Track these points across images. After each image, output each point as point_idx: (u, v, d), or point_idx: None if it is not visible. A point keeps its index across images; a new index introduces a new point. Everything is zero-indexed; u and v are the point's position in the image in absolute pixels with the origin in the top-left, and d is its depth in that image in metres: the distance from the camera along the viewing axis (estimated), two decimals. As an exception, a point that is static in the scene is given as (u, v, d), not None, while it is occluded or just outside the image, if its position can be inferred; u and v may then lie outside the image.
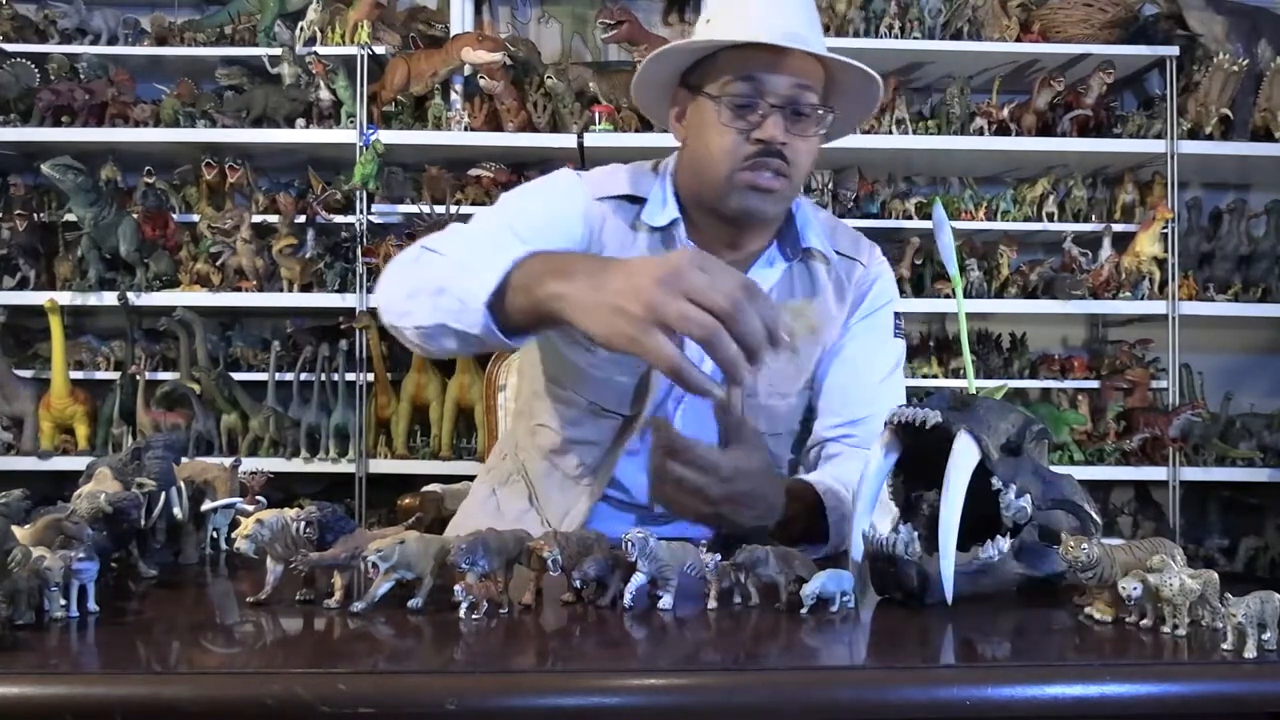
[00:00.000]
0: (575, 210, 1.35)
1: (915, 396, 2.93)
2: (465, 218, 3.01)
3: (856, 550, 0.95)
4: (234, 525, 0.99)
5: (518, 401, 1.56)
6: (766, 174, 1.27)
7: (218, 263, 2.92)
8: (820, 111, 1.30)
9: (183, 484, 1.02)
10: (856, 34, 2.95)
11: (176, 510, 1.01)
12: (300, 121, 2.92)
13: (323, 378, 2.90)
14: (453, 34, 3.04)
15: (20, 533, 0.82)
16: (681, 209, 1.37)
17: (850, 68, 1.30)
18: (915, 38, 2.96)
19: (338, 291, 2.92)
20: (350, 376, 2.91)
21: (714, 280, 0.90)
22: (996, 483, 0.90)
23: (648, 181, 1.40)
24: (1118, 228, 3.04)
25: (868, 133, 2.96)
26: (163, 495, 0.98)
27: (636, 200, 1.37)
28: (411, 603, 0.84)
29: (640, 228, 1.36)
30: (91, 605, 0.82)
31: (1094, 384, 3.02)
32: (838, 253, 1.42)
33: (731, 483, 1.08)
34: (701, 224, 1.36)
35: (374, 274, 2.91)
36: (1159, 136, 2.96)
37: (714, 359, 0.91)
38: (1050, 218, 3.03)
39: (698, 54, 1.32)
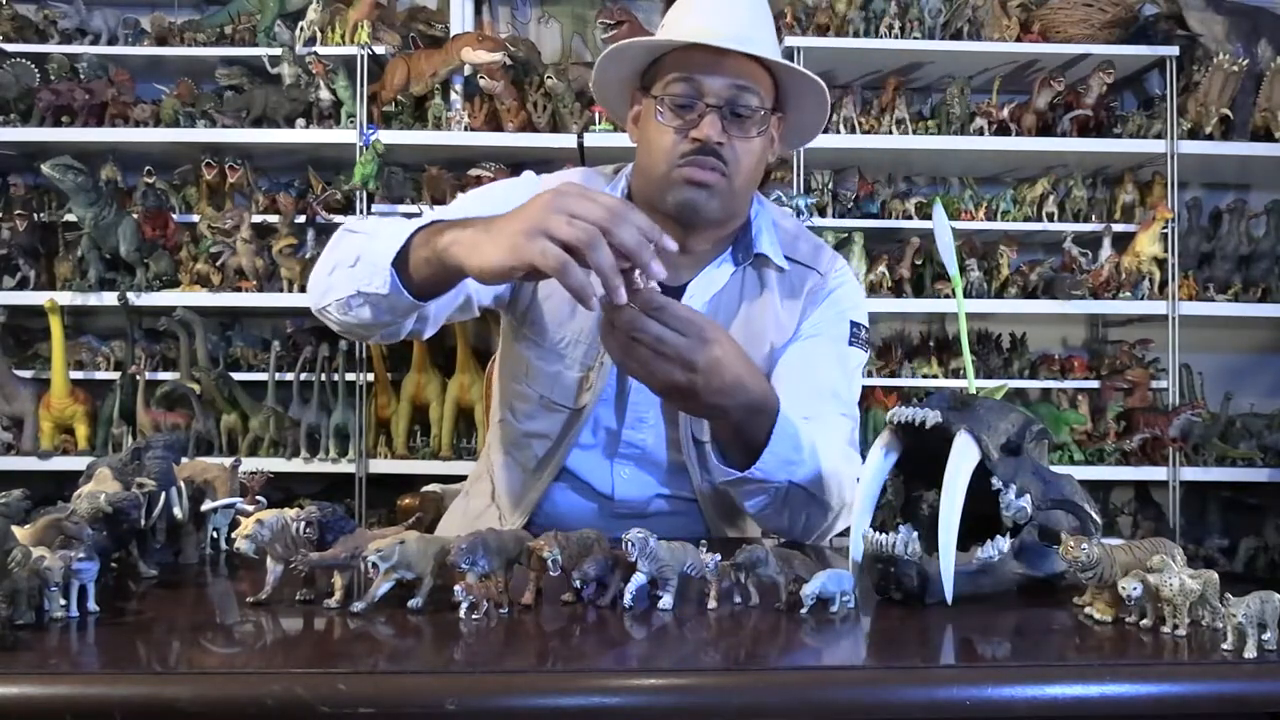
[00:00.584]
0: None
1: (915, 396, 2.94)
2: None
3: (856, 550, 0.95)
4: (234, 525, 0.99)
5: (495, 402, 1.60)
6: (700, 169, 1.29)
7: (218, 263, 2.92)
8: (762, 113, 1.31)
9: (183, 484, 1.02)
10: (856, 34, 2.95)
11: (176, 510, 1.01)
12: (300, 121, 2.92)
13: (323, 378, 2.90)
14: (453, 34, 3.04)
15: (20, 533, 0.82)
16: None
17: (793, 72, 1.33)
18: (915, 38, 2.96)
19: (338, 291, 2.91)
20: (350, 376, 2.92)
21: (593, 198, 0.98)
22: (996, 483, 0.90)
23: (600, 183, 1.44)
24: (1118, 228, 3.04)
25: (868, 133, 2.97)
26: (163, 495, 0.98)
27: None
28: (411, 603, 0.84)
29: None
30: (91, 605, 0.82)
31: (1094, 384, 3.02)
32: (792, 259, 1.42)
33: (711, 347, 1.06)
34: None
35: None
36: (1159, 136, 2.96)
37: (594, 266, 0.96)
38: (1050, 218, 3.03)
39: (651, 55, 1.35)
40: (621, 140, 2.85)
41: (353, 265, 1.16)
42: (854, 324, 1.42)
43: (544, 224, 0.97)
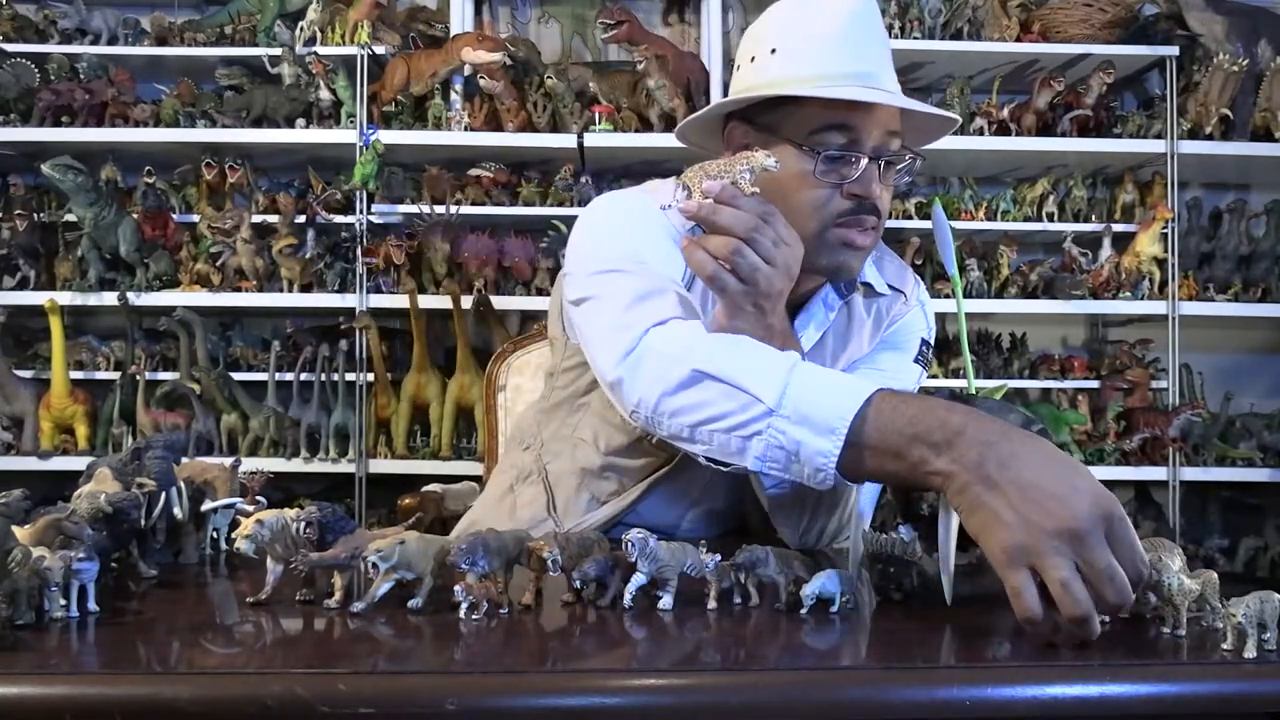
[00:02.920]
0: (668, 231, 1.27)
1: (915, 396, 2.93)
2: (466, 217, 2.99)
3: (856, 550, 0.95)
4: (234, 525, 0.99)
5: (554, 399, 1.48)
6: (859, 230, 1.20)
7: (218, 263, 2.93)
8: (907, 156, 1.23)
9: (183, 484, 1.03)
10: (856, 34, 2.95)
11: (176, 510, 1.01)
12: (300, 121, 2.92)
13: (323, 378, 2.90)
14: (453, 34, 3.04)
15: (20, 533, 0.82)
16: None
17: (931, 114, 1.25)
18: (915, 38, 2.96)
19: (338, 291, 2.92)
20: (350, 376, 2.92)
21: (1116, 560, 0.77)
22: (997, 483, 0.90)
23: None
24: (1118, 228, 3.04)
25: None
26: (163, 495, 0.98)
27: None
28: (411, 603, 0.84)
29: None
30: (91, 605, 0.82)
31: (1094, 384, 3.03)
32: (888, 286, 1.39)
33: (774, 220, 1.05)
34: None
35: (374, 274, 2.92)
36: (1159, 136, 2.96)
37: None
38: (1050, 218, 3.03)
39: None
40: (621, 140, 2.86)
41: (746, 437, 0.98)
42: (923, 341, 1.41)
43: (1043, 565, 0.78)
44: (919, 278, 1.47)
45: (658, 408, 1.07)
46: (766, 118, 1.23)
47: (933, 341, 1.44)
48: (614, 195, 1.36)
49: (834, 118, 1.17)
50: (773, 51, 1.21)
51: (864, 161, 1.18)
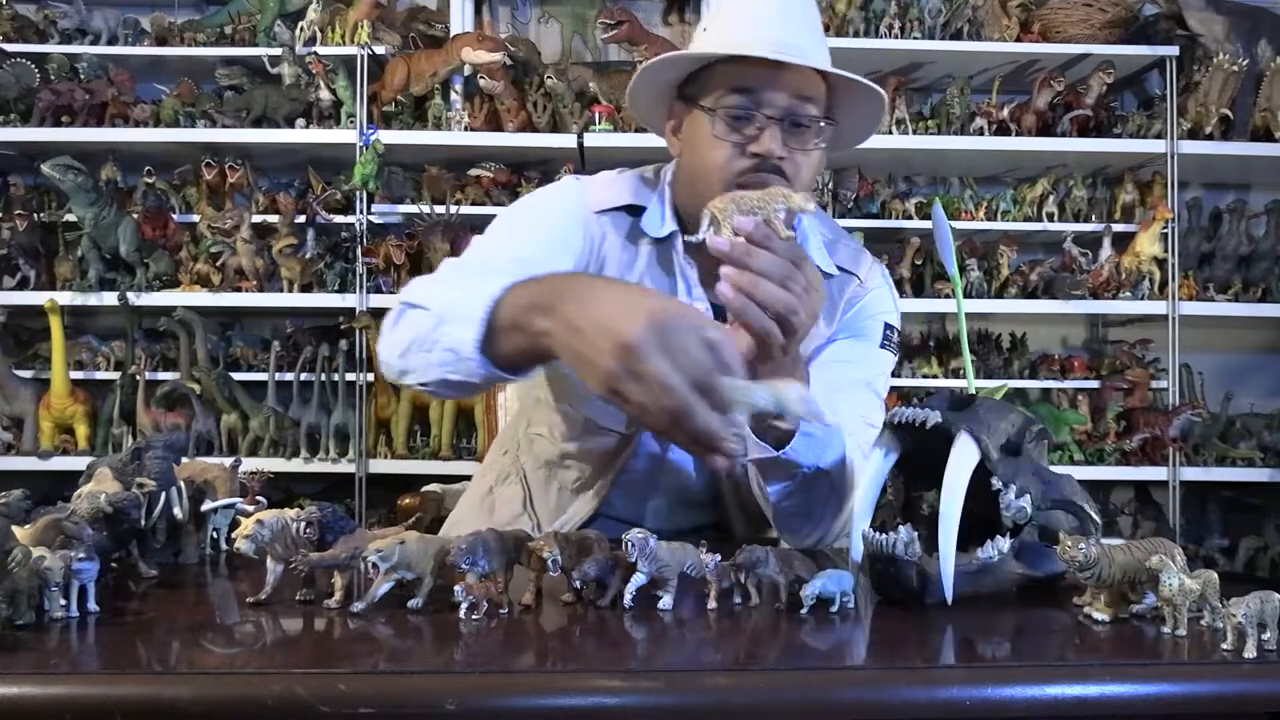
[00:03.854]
0: (575, 225, 1.31)
1: (915, 396, 2.94)
2: (466, 217, 3.00)
3: (856, 550, 0.95)
4: (234, 525, 0.99)
5: (521, 400, 1.54)
6: None
7: (218, 263, 2.93)
8: (821, 123, 1.24)
9: (183, 484, 1.02)
10: (856, 34, 2.96)
11: (176, 510, 1.01)
12: (300, 121, 2.92)
13: (323, 378, 2.90)
14: (453, 34, 3.04)
15: (20, 533, 0.82)
16: (680, 221, 1.33)
17: (851, 81, 1.26)
18: (915, 38, 2.96)
19: (338, 291, 2.92)
20: (350, 376, 2.92)
21: (675, 361, 0.84)
22: (996, 483, 0.90)
23: (648, 191, 1.37)
24: (1118, 228, 3.04)
25: (868, 133, 2.97)
26: (163, 495, 0.98)
27: (636, 210, 1.34)
28: (411, 603, 0.84)
29: (640, 239, 1.33)
30: (91, 605, 0.82)
31: (1094, 384, 3.03)
32: (838, 268, 1.38)
33: (804, 265, 1.04)
34: None
35: (374, 274, 2.92)
36: (1159, 136, 2.96)
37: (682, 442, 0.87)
38: (1050, 218, 3.03)
39: (694, 65, 1.27)
40: (621, 141, 2.86)
41: (428, 350, 1.04)
42: (887, 325, 1.40)
43: (618, 386, 0.85)
44: (877, 259, 1.45)
45: (387, 354, 1.13)
46: (690, 89, 1.29)
47: (898, 325, 1.42)
48: (541, 189, 1.41)
49: (737, 80, 1.22)
50: (704, 30, 1.29)
51: (761, 120, 1.21)
